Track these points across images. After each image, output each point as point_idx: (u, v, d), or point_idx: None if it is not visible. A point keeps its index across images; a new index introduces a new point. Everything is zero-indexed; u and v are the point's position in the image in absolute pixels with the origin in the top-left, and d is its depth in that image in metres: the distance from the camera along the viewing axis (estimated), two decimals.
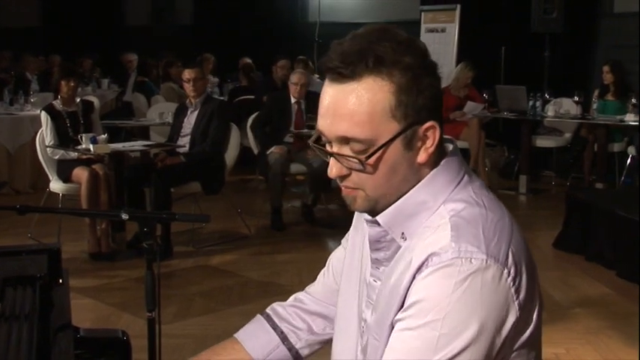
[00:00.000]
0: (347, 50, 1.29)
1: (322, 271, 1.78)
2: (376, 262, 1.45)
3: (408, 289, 1.30)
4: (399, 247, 1.38)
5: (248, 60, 10.91)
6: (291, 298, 1.80)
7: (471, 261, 1.24)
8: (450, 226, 1.29)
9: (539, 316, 1.35)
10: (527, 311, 1.30)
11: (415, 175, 1.35)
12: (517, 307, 1.27)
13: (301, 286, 1.65)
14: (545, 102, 8.56)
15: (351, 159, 1.32)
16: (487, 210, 1.33)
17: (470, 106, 8.77)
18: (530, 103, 8.38)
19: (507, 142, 9.67)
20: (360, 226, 1.58)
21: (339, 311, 1.60)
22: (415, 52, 1.31)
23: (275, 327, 1.74)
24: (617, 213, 5.55)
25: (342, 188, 1.39)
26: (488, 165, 9.06)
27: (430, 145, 1.33)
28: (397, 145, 1.31)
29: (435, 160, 1.36)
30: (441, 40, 10.46)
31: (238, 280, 5.39)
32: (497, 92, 8.86)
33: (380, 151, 1.30)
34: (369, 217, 1.43)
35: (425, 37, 10.69)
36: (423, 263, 1.28)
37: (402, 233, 1.37)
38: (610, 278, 5.37)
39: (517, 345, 1.31)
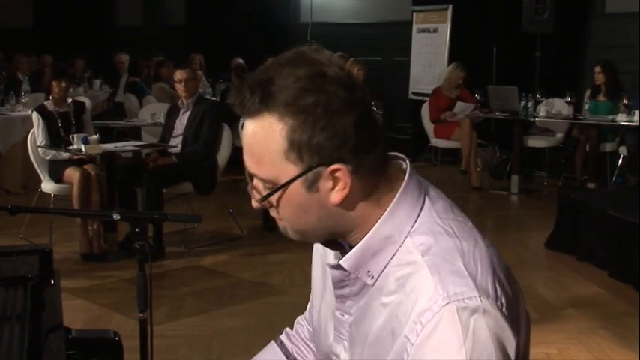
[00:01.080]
0: (245, 84, 1.25)
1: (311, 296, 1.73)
2: (341, 297, 1.39)
3: (401, 348, 1.23)
4: (366, 283, 1.32)
5: (240, 60, 10.90)
6: (295, 322, 1.79)
7: (465, 302, 1.18)
8: (428, 268, 1.22)
9: (527, 334, 1.32)
10: (517, 335, 1.24)
11: (336, 214, 1.28)
12: (513, 336, 1.21)
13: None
14: (537, 102, 8.59)
15: (257, 196, 1.30)
16: (460, 239, 1.26)
17: (460, 106, 8.79)
18: (522, 103, 8.39)
19: (499, 142, 9.69)
20: (317, 255, 1.55)
21: (315, 341, 1.59)
22: (318, 89, 1.20)
23: (288, 355, 1.72)
24: (609, 213, 5.57)
25: None
26: (480, 165, 9.07)
27: (343, 187, 1.24)
28: (297, 187, 1.24)
29: (381, 189, 1.28)
30: (433, 41, 10.49)
31: (230, 280, 5.38)
32: (488, 92, 8.87)
33: (279, 192, 1.26)
34: (331, 261, 1.38)
35: (417, 38, 10.73)
36: (415, 322, 1.20)
37: (369, 271, 1.30)
38: (602, 278, 5.38)
39: None
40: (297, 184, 1.24)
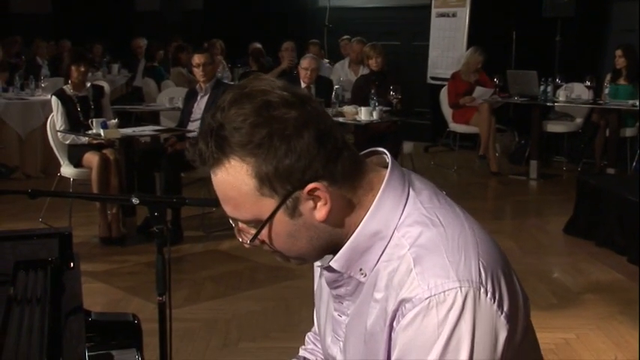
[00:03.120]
0: (198, 137, 1.25)
1: (315, 308, 1.69)
2: (338, 298, 1.39)
3: (389, 340, 1.25)
4: (360, 282, 1.32)
5: (258, 45, 10.89)
6: (307, 340, 1.75)
7: (444, 295, 1.18)
8: (412, 261, 1.22)
9: (526, 313, 1.30)
10: (515, 317, 1.24)
11: (325, 230, 1.28)
12: (505, 321, 1.21)
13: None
14: (557, 87, 8.51)
15: (245, 238, 1.31)
16: (444, 227, 1.26)
17: (479, 91, 8.74)
18: (542, 88, 8.33)
19: (518, 127, 9.62)
20: None
21: (321, 345, 1.57)
22: (268, 120, 1.20)
23: None
24: (629, 198, 5.53)
25: None
26: (498, 150, 9.03)
27: (324, 202, 1.24)
28: (280, 217, 1.25)
29: (360, 190, 1.29)
30: (452, 25, 10.42)
31: (248, 264, 5.40)
32: (508, 77, 8.81)
33: (265, 229, 1.27)
34: (322, 263, 1.38)
35: (435, 22, 10.67)
36: (396, 311, 1.22)
37: (361, 269, 1.30)
38: (621, 264, 5.36)
39: (511, 354, 1.25)
40: (279, 215, 1.25)
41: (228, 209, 1.28)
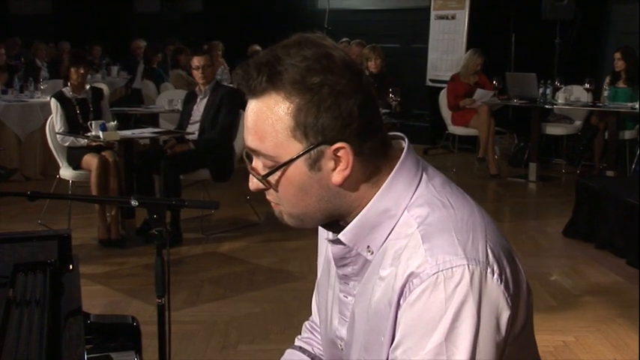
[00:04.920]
0: (252, 64, 1.26)
1: (313, 297, 1.71)
2: (344, 278, 1.40)
3: (396, 316, 1.26)
4: (367, 260, 1.34)
5: (257, 47, 10.88)
6: (304, 329, 1.76)
7: (452, 271, 1.19)
8: (421, 237, 1.24)
9: (528, 304, 1.31)
10: (516, 303, 1.26)
11: (337, 195, 1.29)
12: (509, 304, 1.23)
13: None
14: (556, 89, 8.52)
15: (257, 175, 1.30)
16: (454, 209, 1.28)
17: (479, 93, 8.74)
18: (541, 90, 8.34)
19: (517, 129, 9.63)
20: (322, 243, 1.54)
21: (321, 330, 1.58)
22: (325, 70, 1.22)
23: (313, 357, 1.69)
24: (628, 201, 5.53)
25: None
26: (497, 153, 9.03)
27: (345, 167, 1.26)
28: (300, 165, 1.26)
29: (382, 171, 1.30)
30: (451, 27, 10.43)
31: (247, 266, 5.40)
32: (507, 79, 8.82)
33: (280, 171, 1.27)
34: (331, 236, 1.38)
35: (435, 24, 10.68)
36: (404, 286, 1.23)
37: (368, 247, 1.32)
38: (620, 266, 5.36)
39: (510, 340, 1.26)
40: (299, 163, 1.26)
41: (251, 139, 1.28)
